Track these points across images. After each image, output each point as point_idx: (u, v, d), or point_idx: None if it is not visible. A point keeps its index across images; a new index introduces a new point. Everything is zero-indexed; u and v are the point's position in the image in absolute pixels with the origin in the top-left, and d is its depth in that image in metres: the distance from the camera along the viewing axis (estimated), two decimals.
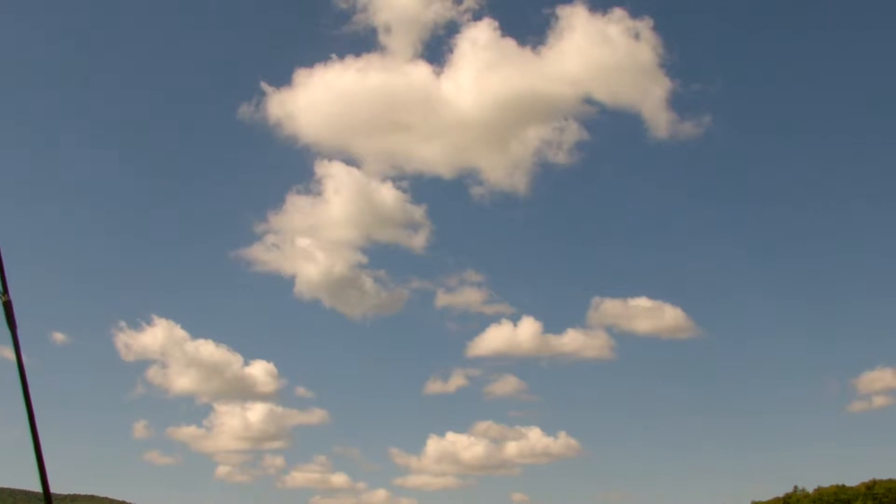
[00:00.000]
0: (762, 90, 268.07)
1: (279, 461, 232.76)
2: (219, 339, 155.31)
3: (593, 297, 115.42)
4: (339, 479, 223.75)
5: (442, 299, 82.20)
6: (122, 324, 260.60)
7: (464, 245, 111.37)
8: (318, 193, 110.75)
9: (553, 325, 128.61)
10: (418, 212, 78.87)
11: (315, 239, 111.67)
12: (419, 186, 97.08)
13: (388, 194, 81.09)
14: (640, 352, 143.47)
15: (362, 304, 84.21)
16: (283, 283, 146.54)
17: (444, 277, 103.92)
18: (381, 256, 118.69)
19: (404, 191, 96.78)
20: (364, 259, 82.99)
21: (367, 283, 77.68)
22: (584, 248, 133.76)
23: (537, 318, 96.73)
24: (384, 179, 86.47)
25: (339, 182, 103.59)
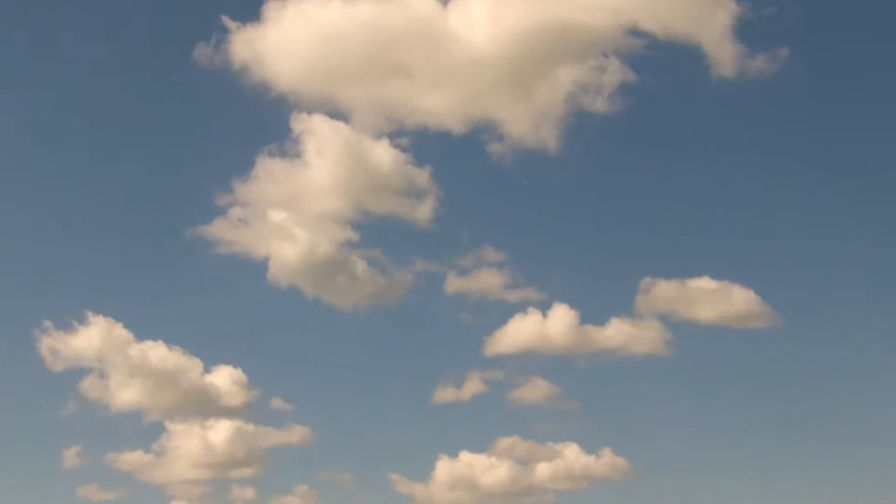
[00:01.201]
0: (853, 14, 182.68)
1: (249, 493, 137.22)
2: (172, 340, 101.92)
3: (643, 279, 75.51)
4: None
5: (453, 284, 60.52)
6: (47, 324, 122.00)
7: (480, 216, 76.71)
8: (296, 155, 79.58)
9: (593, 313, 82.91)
10: (422, 175, 57.78)
11: (293, 212, 76.00)
12: (423, 144, 71.65)
13: (383, 154, 59.58)
14: (702, 346, 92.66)
15: (353, 292, 60.26)
16: (253, 268, 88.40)
17: (455, 257, 72.90)
18: (376, 232, 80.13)
19: (404, 150, 70.42)
20: (355, 236, 59.30)
21: (359, 265, 56.97)
22: (630, 217, 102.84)
23: (573, 305, 68.43)
24: (379, 136, 64.66)
25: (322, 140, 72.90)
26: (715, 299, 70.73)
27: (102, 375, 67.75)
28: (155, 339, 67.87)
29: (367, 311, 71.67)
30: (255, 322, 71.99)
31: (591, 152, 76.26)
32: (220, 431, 66.99)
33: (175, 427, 67.22)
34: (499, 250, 72.00)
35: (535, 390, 70.37)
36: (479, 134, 71.35)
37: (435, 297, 71.57)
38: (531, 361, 70.38)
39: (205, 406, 67.02)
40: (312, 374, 71.17)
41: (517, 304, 70.15)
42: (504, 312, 70.22)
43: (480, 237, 73.81)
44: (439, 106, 70.02)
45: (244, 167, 71.11)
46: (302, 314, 72.52)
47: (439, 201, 71.44)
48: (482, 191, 77.37)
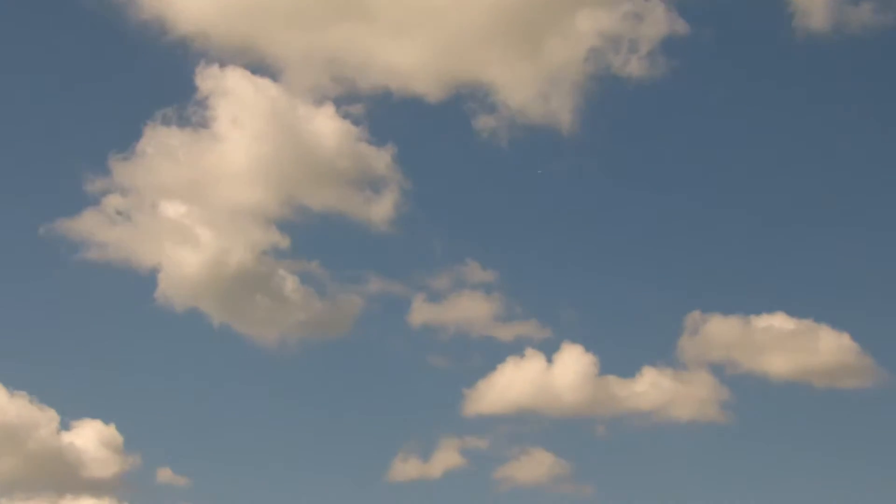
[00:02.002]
0: None
1: None
2: (17, 383, 49.41)
3: (689, 314, 54.84)
4: None
5: (421, 313, 52.08)
6: None
7: (461, 219, 59.05)
8: (202, 125, 55.58)
9: (618, 360, 54.66)
10: (381, 158, 47.52)
11: (195, 205, 59.35)
12: (383, 114, 55.13)
13: (327, 127, 47.95)
14: (772, 410, 58.05)
15: (279, 320, 50.25)
16: (136, 282, 57.21)
17: (424, 275, 56.70)
18: (313, 237, 57.49)
19: (356, 121, 56.27)
20: (283, 241, 48.51)
21: (289, 283, 45.56)
22: (673, 226, 61.80)
23: (589, 347, 54.52)
24: (321, 101, 51.92)
25: (239, 105, 60.11)
26: (793, 345, 54.15)
27: None
28: None
29: (297, 348, 54.50)
30: (136, 358, 53.92)
31: (620, 133, 59.14)
32: None
33: None
34: (486, 267, 55.16)
35: (534, 466, 52.57)
36: (463, 102, 55.93)
37: (395, 330, 55.09)
38: (529, 426, 53.49)
39: (61, 477, 49.53)
40: (216, 435, 52.61)
41: (511, 345, 53.65)
42: (492, 355, 53.79)
43: (461, 248, 56.92)
44: (407, 61, 54.93)
45: (126, 140, 54.83)
46: (204, 349, 55.07)
47: (404, 195, 55.49)
48: (465, 182, 59.34)
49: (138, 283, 54.47)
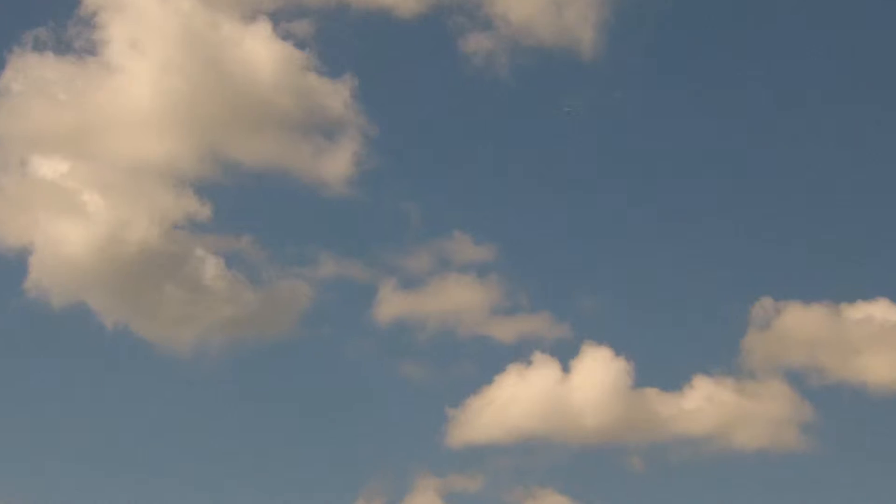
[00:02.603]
0: None
1: None
2: None
3: (757, 301, 44.69)
4: None
5: (391, 305, 46.88)
6: None
7: (445, 176, 70.65)
8: (89, 51, 55.49)
9: (659, 366, 53.79)
10: (337, 94, 40.13)
11: (82, 161, 50.33)
12: (338, 34, 50.36)
13: (262, 52, 44.10)
14: (874, 431, 62.83)
15: (196, 317, 42.81)
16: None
17: (397, 253, 48.44)
18: (244, 204, 58.38)
19: (302, 44, 52.38)
20: (202, 209, 38.42)
21: (210, 267, 41.86)
22: (732, 185, 51.89)
23: (620, 349, 49.40)
24: (252, 17, 49.35)
25: (140, 22, 52.39)
26: None
27: None
28: None
29: (221, 355, 46.31)
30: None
31: (657, 57, 51.45)
32: None
33: None
34: (480, 241, 48.06)
35: None
36: (446, 17, 50.06)
37: (355, 328, 47.57)
38: (536, 458, 45.19)
39: None
40: (112, 472, 44.19)
41: (513, 347, 46.30)
42: (487, 362, 46.17)
43: (445, 216, 49.70)
44: None
45: None
46: (93, 357, 46.47)
47: (368, 145, 48.32)
48: (449, 127, 51.13)
49: (3, 268, 47.25)
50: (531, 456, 46.10)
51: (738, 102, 52.39)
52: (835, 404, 46.35)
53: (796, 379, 46.81)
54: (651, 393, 46.85)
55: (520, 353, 46.66)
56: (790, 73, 52.94)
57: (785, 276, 48.83)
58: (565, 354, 46.30)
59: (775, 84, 53.14)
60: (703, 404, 46.53)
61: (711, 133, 51.77)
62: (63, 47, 48.35)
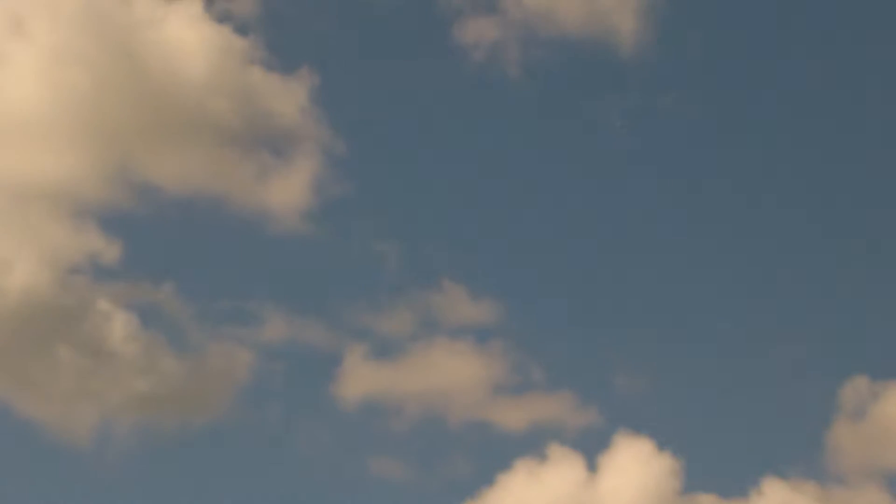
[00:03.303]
0: None
1: None
2: None
3: (848, 381, 56.93)
4: None
5: (359, 380, 28.55)
6: None
7: (432, 207, 73.61)
8: None
9: (717, 465, 48.68)
10: (290, 95, 39.77)
11: None
12: (290, 16, 70.17)
13: (190, 38, 35.32)
14: None
15: (100, 393, 30.12)
16: None
17: (367, 309, 49.77)
18: (165, 240, 60.51)
19: (242, 27, 59.49)
20: (110, 248, 37.56)
21: (119, 324, 31.42)
22: (813, 224, 48.36)
23: (666, 442, 28.31)
24: None
25: None
26: None
27: None
28: None
29: (131, 444, 37.29)
30: None
31: (715, 55, 43.07)
32: None
33: None
34: (478, 296, 39.38)
35: None
36: None
37: (311, 410, 38.89)
38: None
39: None
40: None
41: (522, 438, 38.28)
42: (488, 457, 37.82)
43: (432, 260, 40.71)
44: None
45: None
46: None
47: (330, 163, 40.06)
48: (440, 139, 42.17)
49: None
50: None
51: (831, 114, 43.34)
52: None
53: None
54: (707, 501, 37.77)
55: (531, 445, 37.99)
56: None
57: (884, 349, 39.82)
58: (592, 447, 37.63)
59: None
60: None
61: (794, 157, 43.32)
62: None
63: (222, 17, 39.69)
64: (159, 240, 39.63)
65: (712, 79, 43.90)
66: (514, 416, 39.08)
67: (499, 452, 38.31)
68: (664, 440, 37.67)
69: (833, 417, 39.40)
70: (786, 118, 44.80)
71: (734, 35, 44.39)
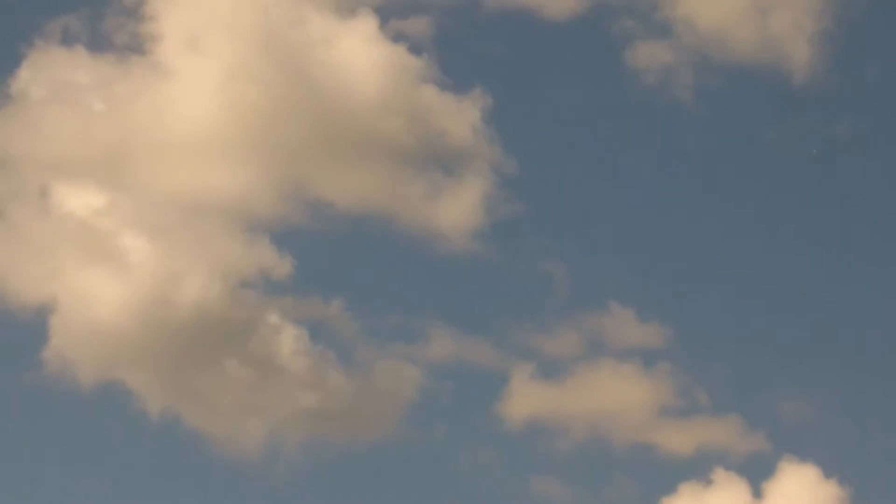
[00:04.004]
0: None
1: None
2: None
3: None
4: None
5: (525, 399, 23.02)
6: None
7: (602, 227, 68.70)
8: (133, 47, 29.63)
9: (888, 494, 54.81)
10: (464, 113, 26.99)
11: (120, 191, 33.75)
12: (465, 36, 49.60)
13: (365, 57, 20.59)
14: None
15: (266, 407, 22.98)
16: (11, 329, 39.63)
17: (534, 330, 48.01)
18: (336, 257, 63.63)
19: (417, 47, 47.59)
20: (281, 264, 41.85)
21: (286, 339, 28.61)
22: None
23: (832, 470, 21.74)
24: (351, 8, 40.30)
25: (201, 13, 25.65)
26: None
27: None
28: None
29: (297, 459, 37.12)
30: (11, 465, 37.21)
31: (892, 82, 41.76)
32: None
33: None
34: (646, 319, 39.24)
35: None
36: (610, 19, 41.58)
37: (476, 429, 38.20)
38: None
39: None
40: None
41: (688, 461, 37.40)
42: (652, 478, 37.23)
43: (601, 283, 39.72)
44: None
45: None
46: (132, 452, 37.29)
47: (500, 183, 39.19)
48: (609, 161, 42.26)
49: (15, 331, 38.32)
50: None
51: None
52: None
53: None
54: None
55: (696, 468, 36.49)
56: None
57: None
58: (757, 473, 36.17)
59: None
60: None
61: None
62: (100, 42, 39.85)
63: (396, 37, 38.95)
64: (330, 256, 39.24)
65: (890, 109, 42.10)
66: (679, 439, 38.00)
67: (663, 476, 37.34)
68: (831, 468, 36.22)
69: None
70: None
71: None
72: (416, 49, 39.36)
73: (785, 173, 41.05)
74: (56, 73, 38.75)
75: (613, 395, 38.22)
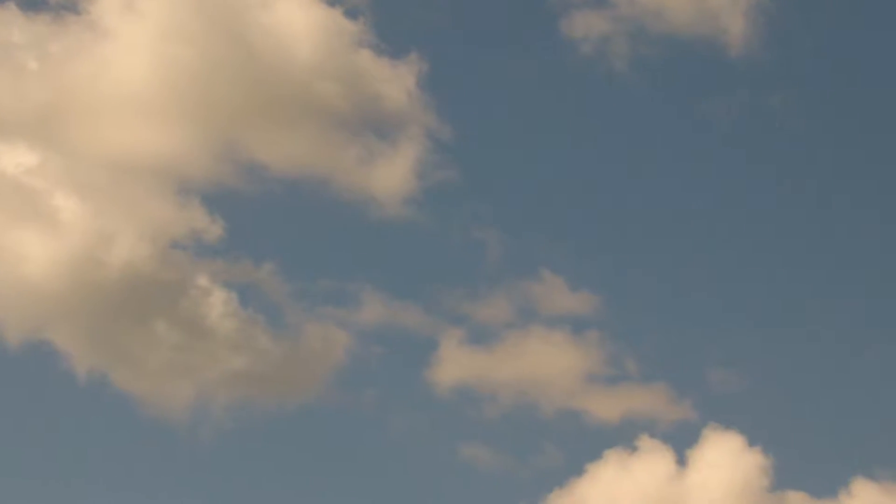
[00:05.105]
0: None
1: None
2: None
3: None
4: None
5: (454, 365, 25.00)
6: None
7: (533, 194, 65.57)
8: (68, 7, 33.02)
9: (809, 464, 41.01)
10: (399, 78, 29.73)
11: (53, 151, 31.98)
12: (395, 3, 44.74)
13: (300, 19, 22.60)
14: None
15: (195, 368, 25.22)
16: None
17: (464, 296, 49.94)
18: (266, 220, 67.61)
19: (353, 10, 36.84)
20: (214, 226, 44.40)
21: (217, 301, 27.62)
22: None
23: (756, 438, 24.92)
24: None
25: None
26: None
27: None
28: None
29: (228, 420, 36.88)
30: None
31: (828, 56, 42.30)
32: None
33: None
34: (577, 287, 39.12)
35: None
36: None
37: (404, 393, 38.35)
38: None
39: None
40: None
41: (614, 429, 38.21)
42: (579, 446, 37.59)
43: (532, 250, 39.63)
44: None
45: None
46: (59, 412, 36.94)
47: (435, 148, 39.53)
48: (543, 127, 41.45)
49: None
50: None
51: None
52: None
53: None
54: (796, 498, 37.01)
55: (622, 436, 37.64)
56: None
57: None
58: (683, 441, 37.03)
59: None
60: None
61: None
62: (34, 1, 39.63)
63: (332, 1, 38.84)
64: (262, 219, 39.33)
65: (821, 78, 42.74)
66: (606, 406, 38.46)
67: (589, 442, 38.01)
68: (755, 437, 36.88)
69: None
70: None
71: (843, 35, 43.11)
72: (352, 13, 39.19)
73: (719, 143, 41.04)
74: None
75: (542, 362, 38.09)
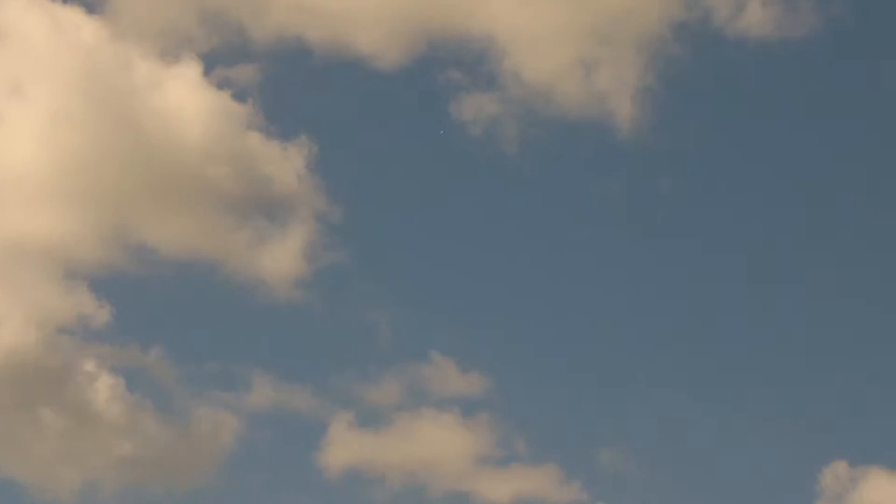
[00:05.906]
0: None
1: None
2: None
3: (828, 466, 58.32)
4: None
5: (343, 448, 20.13)
6: None
7: (424, 277, 64.79)
8: None
9: None
10: (288, 161, 28.35)
11: None
12: (291, 84, 49.76)
13: (189, 103, 23.30)
14: None
15: (82, 455, 18.60)
16: None
17: (353, 379, 51.27)
18: (154, 304, 65.05)
19: (242, 93, 53.14)
20: (99, 311, 41.03)
21: (104, 385, 26.11)
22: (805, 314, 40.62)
23: None
24: (176, 54, 39.05)
25: (24, 57, 32.07)
26: None
27: None
28: None
29: None
30: None
31: (713, 140, 41.54)
32: None
33: None
34: (466, 369, 39.26)
35: None
36: (437, 71, 41.20)
37: (296, 478, 37.69)
38: None
39: None
40: None
41: None
42: None
43: (422, 333, 39.38)
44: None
45: None
46: None
47: (324, 231, 39.38)
48: (432, 210, 41.56)
49: None
50: None
51: (826, 205, 40.82)
52: None
53: None
54: None
55: None
56: None
57: (864, 435, 38.38)
58: None
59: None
60: None
61: (792, 240, 40.93)
62: None
63: (222, 83, 38.35)
64: (150, 303, 38.53)
65: (710, 164, 42.26)
66: (496, 489, 37.53)
67: None
68: None
69: (814, 497, 37.16)
70: (783, 196, 43.37)
71: (740, 124, 42.55)
72: (240, 96, 38.78)
73: (607, 225, 40.29)
74: None
75: (432, 444, 37.51)
